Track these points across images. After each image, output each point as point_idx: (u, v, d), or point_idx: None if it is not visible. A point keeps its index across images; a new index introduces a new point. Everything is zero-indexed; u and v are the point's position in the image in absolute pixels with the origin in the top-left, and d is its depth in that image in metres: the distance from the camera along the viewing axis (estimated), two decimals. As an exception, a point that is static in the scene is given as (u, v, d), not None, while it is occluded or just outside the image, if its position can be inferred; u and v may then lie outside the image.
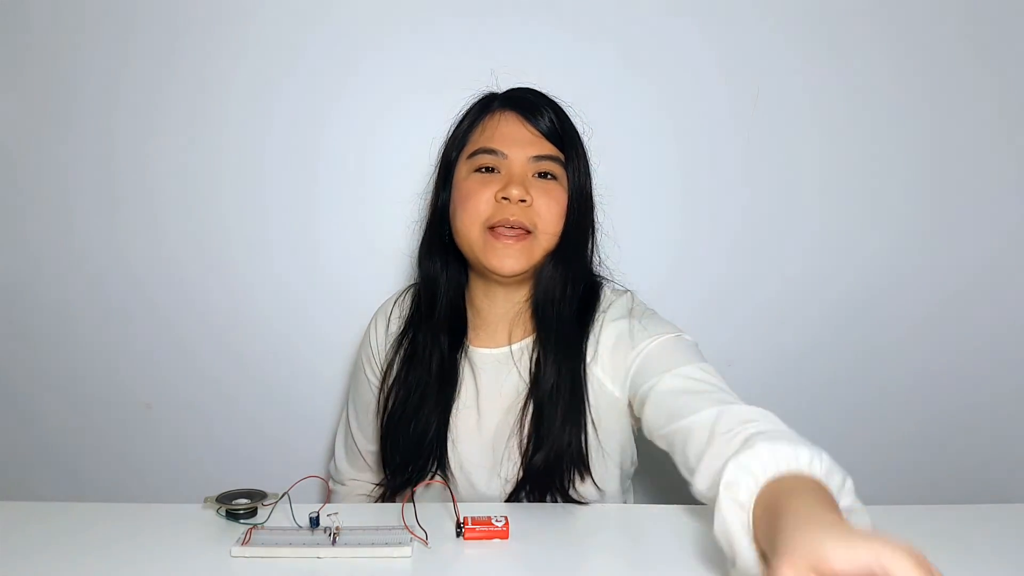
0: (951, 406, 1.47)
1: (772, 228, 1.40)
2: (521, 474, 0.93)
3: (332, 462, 1.16)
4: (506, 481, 0.94)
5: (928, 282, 1.42)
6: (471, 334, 1.01)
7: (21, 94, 1.34)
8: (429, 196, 1.05)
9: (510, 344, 0.98)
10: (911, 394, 1.46)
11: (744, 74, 1.35)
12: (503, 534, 0.78)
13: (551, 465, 0.90)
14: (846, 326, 1.44)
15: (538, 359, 0.94)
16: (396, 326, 1.04)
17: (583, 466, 0.92)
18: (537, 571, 0.74)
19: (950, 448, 1.48)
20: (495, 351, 0.99)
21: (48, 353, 1.42)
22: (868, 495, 1.51)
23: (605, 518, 0.89)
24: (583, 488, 0.93)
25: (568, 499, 0.92)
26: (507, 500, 0.94)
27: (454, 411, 0.97)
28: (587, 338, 0.95)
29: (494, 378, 0.98)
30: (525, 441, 0.93)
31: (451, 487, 0.94)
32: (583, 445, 0.92)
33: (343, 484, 1.12)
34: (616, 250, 1.07)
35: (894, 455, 1.48)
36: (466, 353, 0.99)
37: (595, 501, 0.94)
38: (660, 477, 1.22)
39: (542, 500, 0.92)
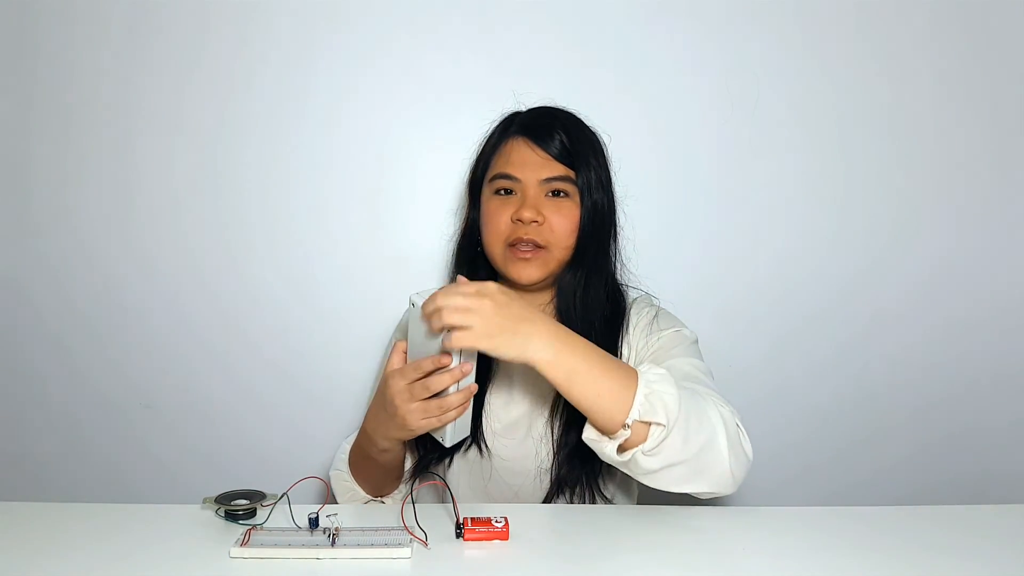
0: (950, 406, 1.47)
1: (770, 226, 1.40)
2: (560, 455, 0.99)
3: (341, 453, 1.10)
4: (540, 469, 1.00)
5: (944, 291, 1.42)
6: None
7: (31, 95, 1.35)
8: (461, 212, 1.16)
9: None
10: (910, 394, 1.46)
11: (745, 76, 1.35)
12: (503, 535, 0.78)
13: (584, 450, 0.94)
14: (850, 327, 1.44)
15: None
16: None
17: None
18: (537, 572, 0.74)
19: (950, 448, 1.48)
20: None
21: (48, 353, 1.42)
22: (869, 495, 1.52)
23: (605, 519, 0.88)
24: (608, 481, 1.00)
25: (596, 491, 0.99)
26: (549, 488, 1.00)
27: (488, 391, 1.05)
28: (622, 343, 1.04)
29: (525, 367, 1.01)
30: (559, 431, 1.00)
31: (484, 461, 1.01)
32: None
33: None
34: (634, 253, 1.14)
35: (893, 455, 1.48)
36: None
37: (615, 500, 1.01)
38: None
39: (573, 486, 0.99)
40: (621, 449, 0.81)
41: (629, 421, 0.79)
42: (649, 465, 0.80)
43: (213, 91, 1.34)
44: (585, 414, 0.83)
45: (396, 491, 1.05)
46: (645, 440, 0.79)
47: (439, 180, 1.34)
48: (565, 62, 1.34)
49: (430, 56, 1.34)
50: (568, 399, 0.82)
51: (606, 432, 0.82)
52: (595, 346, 0.84)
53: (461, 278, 0.85)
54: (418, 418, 0.83)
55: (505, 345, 0.78)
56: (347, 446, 1.05)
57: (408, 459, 1.06)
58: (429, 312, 0.79)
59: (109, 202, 1.37)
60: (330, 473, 1.05)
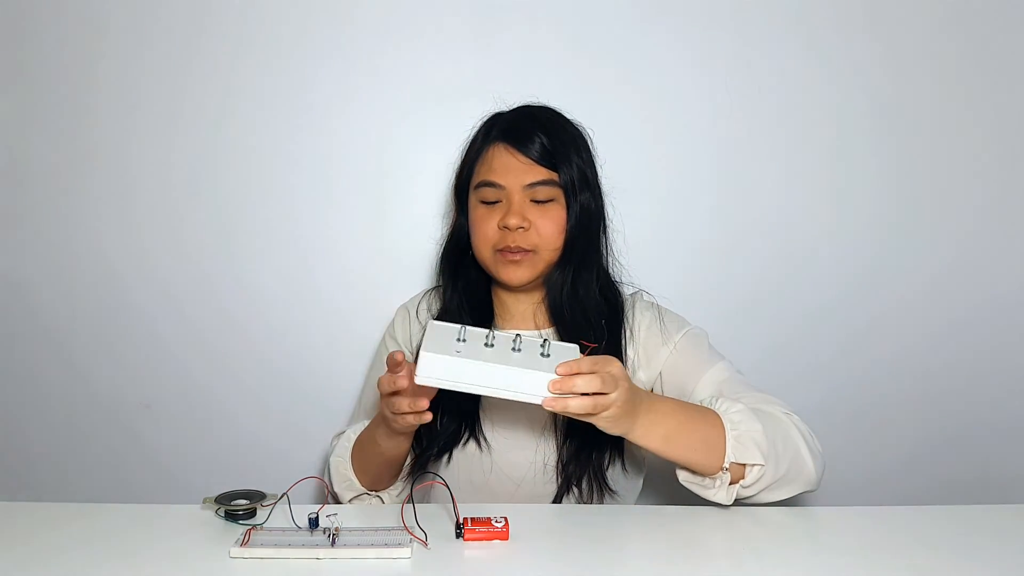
0: (951, 406, 1.46)
1: (769, 225, 1.40)
2: (563, 453, 1.00)
3: (337, 445, 1.09)
4: (546, 463, 1.01)
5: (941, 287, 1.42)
6: (499, 322, 1.11)
7: (31, 94, 1.35)
8: (448, 217, 1.17)
9: (537, 328, 1.07)
10: (911, 394, 1.46)
11: (744, 75, 1.35)
12: (503, 535, 0.78)
13: (590, 444, 0.97)
14: (849, 327, 1.43)
15: None
16: (425, 318, 1.13)
17: (617, 449, 1.01)
18: (537, 572, 0.74)
19: (950, 448, 1.48)
20: (524, 332, 1.06)
21: (48, 353, 1.42)
22: (869, 495, 1.52)
23: (605, 519, 0.89)
24: (613, 474, 1.01)
25: (603, 482, 1.00)
26: (559, 483, 1.00)
27: None
28: (625, 343, 1.05)
29: None
30: (563, 421, 1.01)
31: (484, 455, 1.02)
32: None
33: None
34: (626, 247, 1.14)
35: (893, 455, 1.48)
36: None
37: (621, 492, 1.03)
38: (667, 480, 1.22)
39: (579, 481, 0.99)
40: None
41: (726, 464, 0.84)
42: (747, 494, 0.87)
43: (211, 91, 1.35)
44: (683, 466, 0.88)
45: (392, 487, 1.05)
46: (743, 477, 0.86)
47: (438, 180, 1.34)
48: (564, 61, 1.34)
49: (428, 57, 1.34)
50: (666, 459, 0.87)
51: (705, 475, 0.87)
52: (672, 400, 0.90)
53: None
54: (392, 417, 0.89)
55: (623, 426, 0.83)
56: (353, 436, 1.05)
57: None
58: (587, 368, 0.78)
59: (108, 202, 1.37)
60: (330, 460, 1.05)
